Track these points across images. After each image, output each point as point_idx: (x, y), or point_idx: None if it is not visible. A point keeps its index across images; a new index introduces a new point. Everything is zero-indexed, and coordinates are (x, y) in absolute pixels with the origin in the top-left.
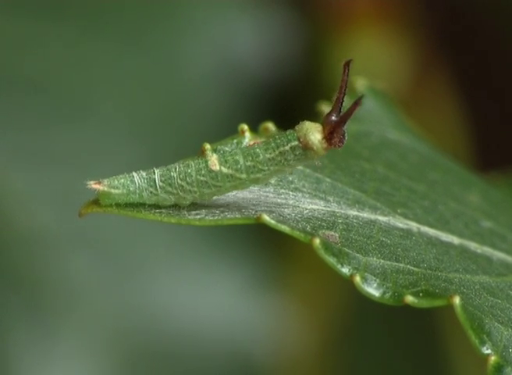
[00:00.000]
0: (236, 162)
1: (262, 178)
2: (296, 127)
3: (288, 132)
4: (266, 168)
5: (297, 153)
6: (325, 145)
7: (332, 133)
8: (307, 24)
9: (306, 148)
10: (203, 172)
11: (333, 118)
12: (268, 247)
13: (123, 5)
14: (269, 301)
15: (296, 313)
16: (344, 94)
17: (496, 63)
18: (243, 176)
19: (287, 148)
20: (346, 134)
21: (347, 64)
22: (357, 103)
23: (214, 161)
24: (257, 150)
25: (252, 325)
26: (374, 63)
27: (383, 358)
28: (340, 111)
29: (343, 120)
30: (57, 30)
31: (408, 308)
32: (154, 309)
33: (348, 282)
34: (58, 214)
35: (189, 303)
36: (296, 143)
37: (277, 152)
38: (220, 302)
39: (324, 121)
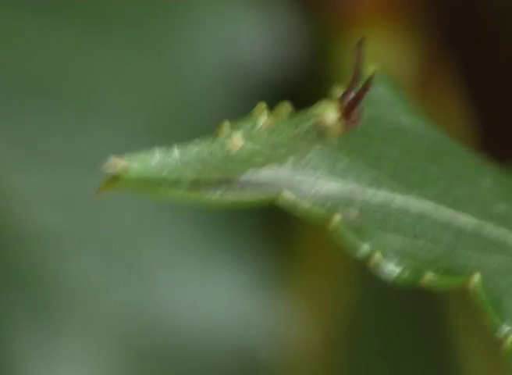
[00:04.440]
0: (261, 137)
1: (287, 154)
2: (313, 107)
3: (308, 111)
4: (291, 143)
5: (317, 132)
6: (341, 124)
7: (348, 112)
8: (312, 24)
9: (323, 128)
10: (227, 148)
11: (349, 97)
12: (273, 245)
13: (125, 3)
14: (274, 299)
15: (301, 312)
16: (359, 73)
17: (502, 62)
18: (268, 151)
19: (307, 125)
20: (362, 113)
21: (360, 43)
22: (369, 81)
23: (238, 137)
24: (281, 126)
25: (256, 324)
26: (379, 62)
27: (388, 358)
28: (355, 90)
29: (358, 97)
30: (58, 29)
31: (413, 307)
32: (156, 309)
33: (351, 281)
34: (59, 214)
35: (192, 302)
36: (314, 121)
37: (299, 129)
38: (223, 301)
39: (339, 100)
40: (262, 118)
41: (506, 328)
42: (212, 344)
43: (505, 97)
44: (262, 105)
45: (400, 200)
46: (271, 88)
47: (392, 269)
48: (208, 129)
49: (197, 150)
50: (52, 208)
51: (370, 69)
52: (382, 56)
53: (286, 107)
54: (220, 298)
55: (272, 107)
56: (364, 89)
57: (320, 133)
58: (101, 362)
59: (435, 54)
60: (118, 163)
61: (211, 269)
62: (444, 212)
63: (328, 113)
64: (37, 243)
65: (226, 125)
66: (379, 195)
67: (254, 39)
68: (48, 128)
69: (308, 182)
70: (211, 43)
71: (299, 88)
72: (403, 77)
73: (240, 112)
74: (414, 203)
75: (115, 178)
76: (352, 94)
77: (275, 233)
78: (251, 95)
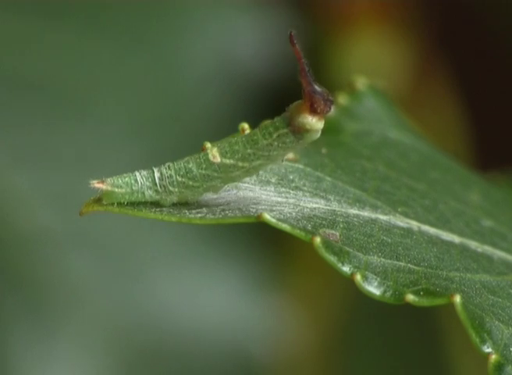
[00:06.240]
0: (237, 151)
1: (264, 164)
2: (285, 114)
3: (282, 116)
4: (266, 154)
5: (296, 135)
6: (316, 118)
7: (313, 104)
8: (307, 24)
9: (300, 131)
10: (204, 165)
11: (307, 89)
12: (268, 247)
13: (123, 4)
14: (269, 301)
15: (296, 313)
16: (305, 64)
17: (495, 63)
18: (245, 164)
19: (285, 130)
20: (327, 95)
21: (291, 36)
22: (300, 58)
23: (214, 153)
24: (255, 137)
25: (251, 325)
26: (374, 63)
27: (382, 359)
28: (312, 82)
29: (308, 85)
30: (57, 29)
31: (408, 308)
32: (154, 309)
33: (348, 282)
34: (58, 214)
35: (189, 303)
36: (288, 129)
37: (274, 137)
38: (220, 302)
39: (303, 97)
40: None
41: (487, 349)
42: (209, 345)
43: (498, 95)
44: (245, 125)
45: (382, 220)
46: (265, 87)
47: (373, 290)
48: (202, 127)
49: (173, 173)
50: (51, 209)
51: (360, 82)
52: (376, 56)
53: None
54: (216, 300)
55: (265, 106)
56: (303, 72)
57: (298, 137)
58: (97, 361)
59: (428, 53)
60: (101, 187)
61: (207, 271)
62: (427, 231)
63: (298, 117)
64: (34, 243)
65: (208, 146)
66: (362, 216)
67: (248, 39)
68: (47, 129)
69: (290, 203)
70: (207, 43)
71: (293, 87)
72: (396, 77)
73: (235, 110)
74: (397, 223)
75: (96, 201)
76: (307, 87)
77: (270, 235)
78: (246, 94)
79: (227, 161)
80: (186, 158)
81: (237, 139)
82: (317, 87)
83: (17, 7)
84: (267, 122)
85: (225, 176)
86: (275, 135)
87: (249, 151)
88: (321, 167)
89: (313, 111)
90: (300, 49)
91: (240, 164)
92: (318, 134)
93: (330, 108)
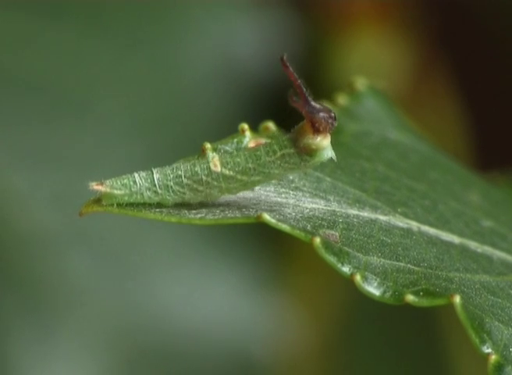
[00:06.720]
0: (238, 164)
1: (262, 181)
2: (290, 135)
3: (288, 137)
4: (267, 171)
5: (304, 157)
6: (320, 137)
7: (314, 124)
8: (307, 24)
9: (307, 152)
10: (206, 172)
11: (305, 110)
12: (269, 247)
13: (123, 4)
14: (269, 301)
15: (296, 313)
16: (300, 84)
17: (495, 63)
18: (244, 178)
19: (291, 151)
20: (328, 111)
21: (282, 59)
22: (295, 79)
23: (215, 162)
24: (259, 152)
25: (252, 325)
26: (374, 63)
27: (383, 359)
28: (310, 102)
29: (306, 106)
30: (57, 29)
31: (408, 308)
32: (153, 309)
33: (348, 282)
34: (58, 214)
35: (189, 303)
36: (294, 150)
37: (278, 155)
38: (220, 302)
39: (305, 118)
40: (243, 139)
41: (487, 350)
42: (209, 345)
43: (498, 95)
44: (245, 126)
45: (382, 220)
46: (265, 87)
47: (373, 291)
48: (201, 127)
49: (176, 174)
50: (51, 209)
51: (359, 82)
52: (376, 56)
53: (269, 125)
54: (216, 300)
55: (265, 106)
56: (301, 93)
57: (306, 158)
58: (97, 361)
59: (428, 53)
60: (99, 189)
61: (207, 271)
62: (427, 232)
63: (303, 139)
64: (34, 243)
65: (208, 147)
66: (362, 216)
67: (249, 39)
68: (47, 129)
69: (290, 204)
70: (206, 43)
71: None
72: (396, 77)
73: (235, 110)
74: (397, 223)
75: (96, 201)
76: (307, 107)
77: (271, 235)
78: (246, 94)
79: (227, 172)
80: (192, 161)
81: (240, 152)
82: (316, 105)
83: (17, 7)
84: (274, 139)
85: (223, 187)
86: (279, 154)
87: (250, 165)
88: (320, 167)
89: (316, 130)
90: (293, 70)
91: (239, 177)
92: (329, 152)
93: (333, 125)
